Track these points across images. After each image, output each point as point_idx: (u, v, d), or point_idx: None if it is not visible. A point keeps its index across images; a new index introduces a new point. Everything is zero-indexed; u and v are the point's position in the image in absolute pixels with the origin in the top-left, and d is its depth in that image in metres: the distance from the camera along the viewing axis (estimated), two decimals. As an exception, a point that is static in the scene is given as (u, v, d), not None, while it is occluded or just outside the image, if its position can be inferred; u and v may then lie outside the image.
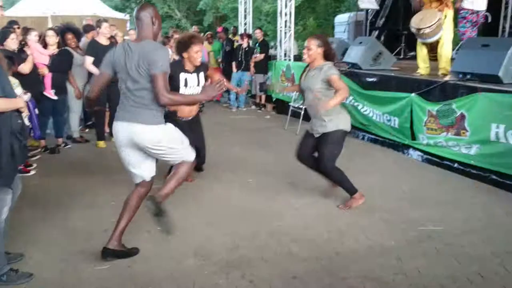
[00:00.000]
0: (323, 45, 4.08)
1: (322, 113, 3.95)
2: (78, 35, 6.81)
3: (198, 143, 4.37)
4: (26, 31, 6.17)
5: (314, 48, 4.06)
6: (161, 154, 3.15)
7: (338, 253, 3.36)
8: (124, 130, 3.08)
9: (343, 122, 4.13)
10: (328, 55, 4.12)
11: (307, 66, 4.24)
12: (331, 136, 4.09)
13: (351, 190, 4.22)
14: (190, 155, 3.28)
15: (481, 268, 3.12)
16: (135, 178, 3.29)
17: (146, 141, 3.05)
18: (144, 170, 3.24)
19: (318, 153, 4.23)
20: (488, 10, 10.87)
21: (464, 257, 3.28)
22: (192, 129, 4.47)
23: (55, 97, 5.96)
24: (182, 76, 4.46)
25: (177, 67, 4.40)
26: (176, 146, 3.18)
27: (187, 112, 4.62)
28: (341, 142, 4.17)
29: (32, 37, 5.99)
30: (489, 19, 10.58)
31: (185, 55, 4.44)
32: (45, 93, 5.85)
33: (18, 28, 7.05)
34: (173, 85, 4.07)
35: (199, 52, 4.42)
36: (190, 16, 28.35)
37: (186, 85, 4.47)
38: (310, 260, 3.27)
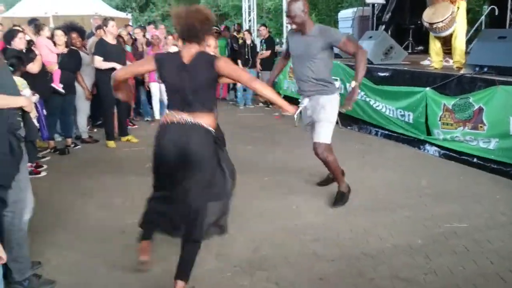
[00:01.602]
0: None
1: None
2: (82, 34, 6.73)
3: None
4: (38, 28, 6.06)
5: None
6: None
7: (364, 253, 3.26)
8: None
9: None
10: None
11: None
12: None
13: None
14: None
15: (512, 265, 3.03)
16: None
17: None
18: None
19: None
20: (494, 2, 10.81)
21: (493, 254, 3.18)
22: None
23: (63, 91, 5.85)
24: None
25: None
26: None
27: None
28: None
29: (45, 33, 5.91)
30: (496, 12, 10.51)
31: None
32: (53, 85, 5.74)
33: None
34: None
35: None
36: (191, 15, 28.20)
37: None
38: (336, 260, 3.17)
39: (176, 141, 2.63)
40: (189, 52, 2.68)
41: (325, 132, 3.99)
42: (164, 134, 2.69)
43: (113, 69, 6.08)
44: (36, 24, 6.35)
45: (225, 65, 2.68)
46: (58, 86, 5.81)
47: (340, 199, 4.14)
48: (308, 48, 3.91)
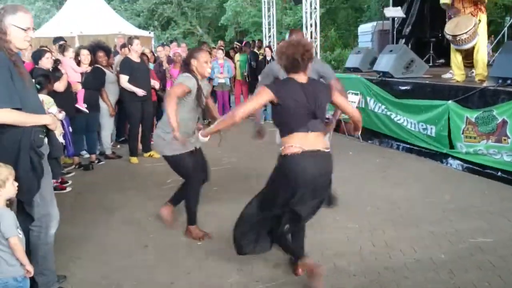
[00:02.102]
0: None
1: None
2: (108, 53, 6.91)
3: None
4: (63, 48, 6.25)
5: None
6: None
7: (387, 268, 3.23)
8: None
9: None
10: None
11: None
12: None
13: None
14: None
15: (541, 282, 2.96)
16: None
17: None
18: None
19: None
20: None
21: (520, 270, 3.12)
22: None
23: (87, 111, 5.99)
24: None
25: None
26: None
27: None
28: None
29: (69, 54, 6.08)
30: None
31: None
32: (77, 105, 5.88)
33: (65, 42, 7.19)
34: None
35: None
36: (212, 32, 28.67)
37: None
38: (358, 275, 3.15)
39: (320, 168, 2.82)
40: (299, 77, 2.84)
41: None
42: (305, 159, 2.78)
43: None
44: (60, 45, 6.53)
45: (338, 94, 2.98)
46: (82, 106, 5.95)
47: (334, 200, 4.37)
48: None
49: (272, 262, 3.37)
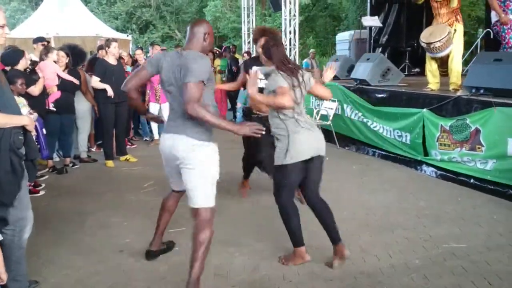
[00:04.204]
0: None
1: None
2: (83, 56, 6.85)
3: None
4: (47, 50, 6.08)
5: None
6: (188, 174, 2.94)
7: (362, 272, 3.26)
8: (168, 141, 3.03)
9: None
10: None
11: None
12: None
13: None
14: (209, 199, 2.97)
15: (511, 286, 3.03)
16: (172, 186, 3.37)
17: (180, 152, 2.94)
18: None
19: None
20: (489, 26, 10.99)
21: (492, 275, 3.18)
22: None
23: (53, 109, 5.82)
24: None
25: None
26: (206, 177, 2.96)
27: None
28: None
29: (53, 56, 5.94)
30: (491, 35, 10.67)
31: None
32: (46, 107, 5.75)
33: (48, 43, 7.04)
34: None
35: None
36: (190, 36, 28.57)
37: None
38: (334, 280, 3.17)
39: None
40: None
41: None
42: None
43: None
44: (46, 47, 6.35)
45: None
46: (49, 106, 5.82)
47: None
48: None
49: (250, 267, 3.37)
